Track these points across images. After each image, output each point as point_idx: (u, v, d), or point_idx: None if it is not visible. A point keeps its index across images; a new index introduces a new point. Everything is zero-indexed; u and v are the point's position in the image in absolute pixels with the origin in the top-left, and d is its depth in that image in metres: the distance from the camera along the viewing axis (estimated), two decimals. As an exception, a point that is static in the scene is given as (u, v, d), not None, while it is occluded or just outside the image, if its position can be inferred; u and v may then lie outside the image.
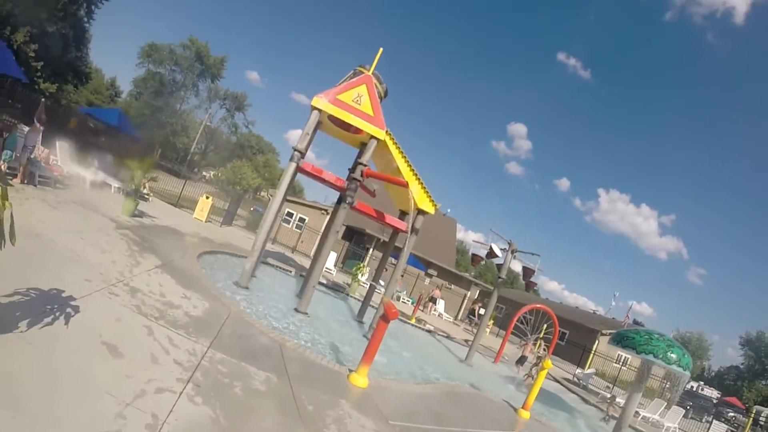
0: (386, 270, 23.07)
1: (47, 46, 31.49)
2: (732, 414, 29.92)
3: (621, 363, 35.07)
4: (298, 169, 11.44)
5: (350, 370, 7.48)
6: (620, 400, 21.00)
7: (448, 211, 45.49)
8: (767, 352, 62.87)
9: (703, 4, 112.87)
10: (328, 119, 11.84)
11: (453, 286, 35.46)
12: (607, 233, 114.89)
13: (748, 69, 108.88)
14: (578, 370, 23.82)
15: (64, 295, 5.23)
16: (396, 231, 14.24)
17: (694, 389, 27.77)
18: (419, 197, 12.29)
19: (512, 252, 16.08)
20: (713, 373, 69.02)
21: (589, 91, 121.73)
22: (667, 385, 27.10)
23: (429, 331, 19.77)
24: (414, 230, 12.51)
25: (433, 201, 12.63)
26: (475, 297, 38.00)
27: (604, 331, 38.32)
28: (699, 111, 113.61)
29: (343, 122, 11.52)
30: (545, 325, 23.77)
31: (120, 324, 5.28)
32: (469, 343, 21.43)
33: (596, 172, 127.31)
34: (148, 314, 5.90)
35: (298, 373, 6.39)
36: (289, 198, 35.28)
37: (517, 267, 16.99)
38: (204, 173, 64.26)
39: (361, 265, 22.88)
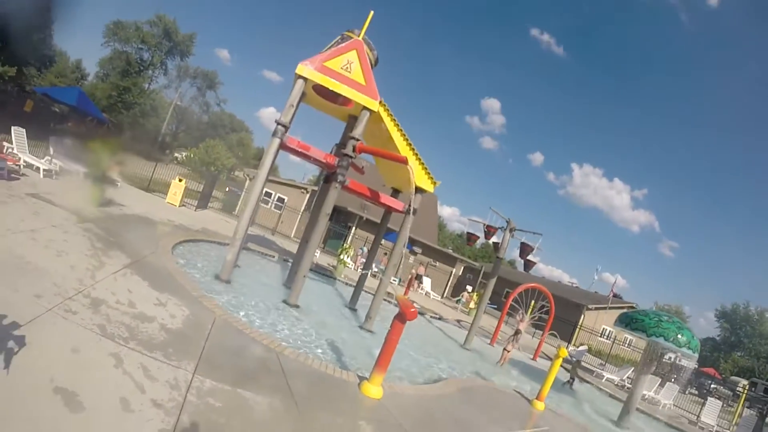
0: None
1: (5, 26, 29.14)
2: (714, 386, 29.83)
3: (607, 337, 34.90)
4: (282, 146, 10.19)
5: (359, 377, 6.49)
6: (585, 364, 20.54)
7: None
8: (742, 324, 63.98)
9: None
10: (313, 89, 10.62)
11: (438, 264, 34.57)
12: (581, 206, 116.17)
13: (718, 51, 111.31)
14: (570, 348, 23.20)
15: (4, 322, 4.00)
16: (389, 211, 13.14)
17: (672, 360, 27.78)
18: (417, 174, 11.15)
19: (510, 231, 15.14)
20: (691, 345, 70.19)
21: (562, 67, 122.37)
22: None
23: (421, 314, 18.84)
24: (413, 210, 11.41)
25: (432, 178, 11.50)
26: (459, 273, 37.28)
27: (589, 306, 38.04)
28: (670, 89, 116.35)
29: (330, 92, 10.31)
30: (532, 302, 23.09)
31: (79, 357, 4.05)
32: (461, 323, 20.65)
33: (569, 146, 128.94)
34: (115, 335, 4.68)
35: (304, 392, 5.30)
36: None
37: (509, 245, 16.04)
38: (176, 154, 61.54)
39: (347, 246, 21.83)
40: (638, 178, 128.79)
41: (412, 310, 6.05)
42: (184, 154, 57.78)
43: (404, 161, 9.67)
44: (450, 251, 37.40)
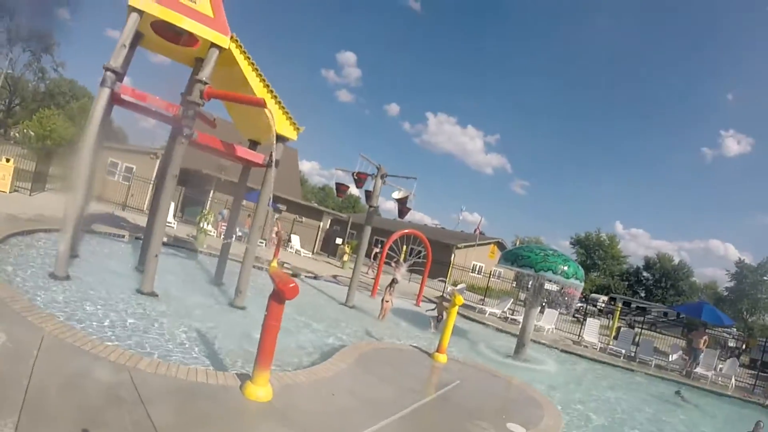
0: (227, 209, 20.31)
1: None
2: (579, 304, 32.12)
3: (477, 273, 36.30)
4: (114, 98, 8.28)
5: (240, 376, 5.24)
6: (467, 301, 20.97)
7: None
8: (596, 249, 72.17)
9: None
10: (151, 27, 8.72)
11: (305, 219, 33.22)
12: (437, 153, 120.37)
13: (568, 13, 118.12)
14: (449, 287, 23.35)
15: None
16: (248, 166, 11.67)
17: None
18: (278, 120, 9.71)
19: (382, 177, 14.27)
20: (551, 270, 78.91)
21: (417, 22, 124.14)
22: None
23: (294, 275, 17.67)
24: (275, 162, 10.03)
25: (295, 124, 10.12)
26: (327, 227, 36.31)
27: (458, 245, 39.38)
28: (518, 45, 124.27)
29: (172, 30, 8.55)
30: (404, 248, 22.83)
31: None
32: (338, 278, 19.81)
33: (424, 97, 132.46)
34: None
35: (173, 422, 3.97)
36: (109, 145, 30.29)
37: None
38: (13, 133, 52.72)
39: (205, 212, 19.90)
40: (490, 125, 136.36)
41: (291, 285, 4.84)
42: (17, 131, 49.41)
43: (261, 104, 8.22)
44: (315, 205, 36.21)
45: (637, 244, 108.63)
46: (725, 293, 62.82)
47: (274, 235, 22.56)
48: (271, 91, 9.42)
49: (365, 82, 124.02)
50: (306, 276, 18.12)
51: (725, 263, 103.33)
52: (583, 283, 12.12)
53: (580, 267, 12.05)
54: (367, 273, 23.83)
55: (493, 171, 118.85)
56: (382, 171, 14.17)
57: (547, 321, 19.39)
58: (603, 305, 37.08)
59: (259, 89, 9.16)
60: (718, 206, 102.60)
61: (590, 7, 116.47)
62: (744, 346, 27.81)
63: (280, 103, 9.71)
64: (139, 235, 14.53)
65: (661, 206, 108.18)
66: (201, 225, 18.79)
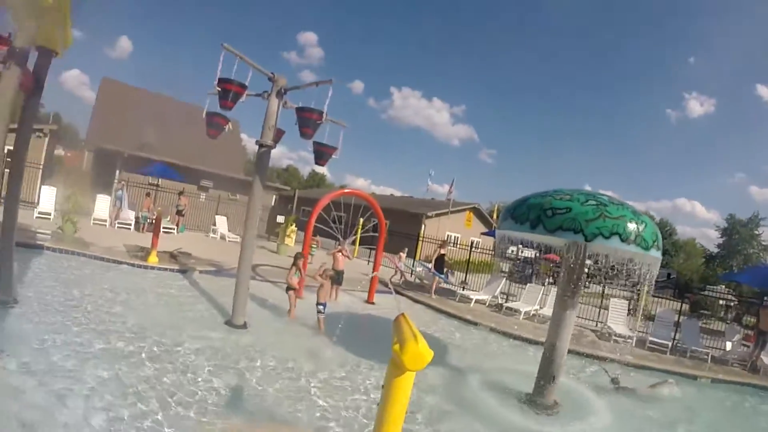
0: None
1: None
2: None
3: (454, 244, 30.57)
4: None
5: None
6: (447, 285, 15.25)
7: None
8: None
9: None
10: None
11: (239, 196, 26.64)
12: (403, 128, 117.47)
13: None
14: (419, 268, 17.33)
15: None
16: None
17: (514, 253, 25.37)
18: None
19: (279, 94, 8.32)
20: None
21: None
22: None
23: (181, 271, 11.76)
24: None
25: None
26: (272, 204, 30.04)
27: (428, 214, 33.96)
28: (479, 17, 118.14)
29: None
30: (360, 220, 17.06)
31: None
32: (258, 270, 13.80)
33: (387, 72, 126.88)
34: None
35: None
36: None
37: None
38: None
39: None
40: (456, 97, 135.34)
41: None
42: None
43: None
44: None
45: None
46: (715, 250, 59.50)
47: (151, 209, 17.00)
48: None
49: (328, 61, 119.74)
50: (202, 271, 12.20)
51: (693, 221, 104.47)
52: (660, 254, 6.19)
53: (657, 228, 6.15)
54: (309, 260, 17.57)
55: (460, 142, 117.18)
56: (280, 83, 8.31)
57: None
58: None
59: None
60: (683, 166, 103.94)
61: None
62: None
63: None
64: None
65: (628, 168, 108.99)
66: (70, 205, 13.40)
